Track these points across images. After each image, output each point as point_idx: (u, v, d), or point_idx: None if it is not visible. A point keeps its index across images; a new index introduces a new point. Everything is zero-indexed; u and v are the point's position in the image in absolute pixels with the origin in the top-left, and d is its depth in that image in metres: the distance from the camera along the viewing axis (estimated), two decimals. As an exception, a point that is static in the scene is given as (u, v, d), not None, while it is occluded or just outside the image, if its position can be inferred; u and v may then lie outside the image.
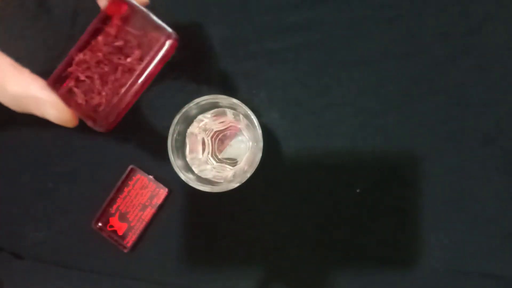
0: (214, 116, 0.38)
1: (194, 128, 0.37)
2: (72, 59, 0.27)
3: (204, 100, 0.34)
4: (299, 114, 0.40)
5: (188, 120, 0.37)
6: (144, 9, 0.26)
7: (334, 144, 0.40)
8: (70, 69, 0.27)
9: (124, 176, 0.40)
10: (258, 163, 0.33)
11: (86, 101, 0.27)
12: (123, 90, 0.26)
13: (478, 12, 0.40)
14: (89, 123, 0.27)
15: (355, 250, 0.40)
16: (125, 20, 0.26)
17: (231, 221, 0.41)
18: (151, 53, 0.26)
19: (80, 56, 0.27)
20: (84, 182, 0.41)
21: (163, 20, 0.27)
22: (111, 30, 0.26)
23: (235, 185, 0.33)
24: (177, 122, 0.34)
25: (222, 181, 0.37)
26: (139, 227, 0.40)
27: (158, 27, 0.26)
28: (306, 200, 0.40)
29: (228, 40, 0.41)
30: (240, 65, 0.41)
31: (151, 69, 0.26)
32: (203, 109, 0.37)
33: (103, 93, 0.26)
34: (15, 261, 0.41)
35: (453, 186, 0.39)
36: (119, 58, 0.26)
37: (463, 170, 0.39)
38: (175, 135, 0.34)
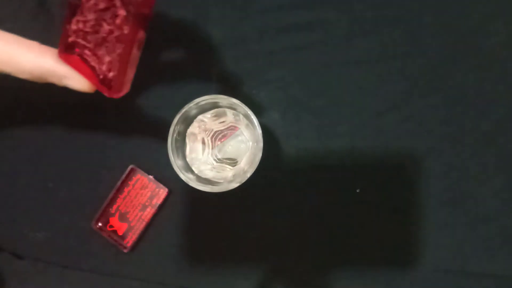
0: (214, 116, 0.38)
1: (194, 128, 0.37)
2: (67, 29, 0.27)
3: (204, 100, 0.34)
4: (299, 114, 0.40)
5: (188, 120, 0.37)
6: None
7: (334, 144, 0.40)
8: (70, 40, 0.27)
9: (124, 176, 0.40)
10: (258, 163, 0.33)
11: (98, 64, 0.27)
12: (122, 54, 0.27)
13: (478, 12, 0.40)
14: (105, 92, 0.28)
15: (355, 250, 0.40)
16: None
17: (231, 221, 0.41)
18: (134, 9, 0.26)
19: (73, 26, 0.27)
20: (84, 182, 0.41)
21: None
22: None
23: (235, 185, 0.33)
24: (177, 122, 0.34)
25: (222, 181, 0.37)
26: (139, 227, 0.40)
27: None
28: (306, 200, 0.40)
29: (228, 40, 0.41)
30: (240, 65, 0.41)
31: (140, 24, 0.26)
32: (203, 109, 0.37)
33: (107, 59, 0.27)
34: (15, 261, 0.41)
35: (453, 186, 0.39)
36: (108, 22, 0.27)
37: (463, 170, 0.39)
38: (175, 135, 0.34)
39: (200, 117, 0.37)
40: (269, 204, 0.40)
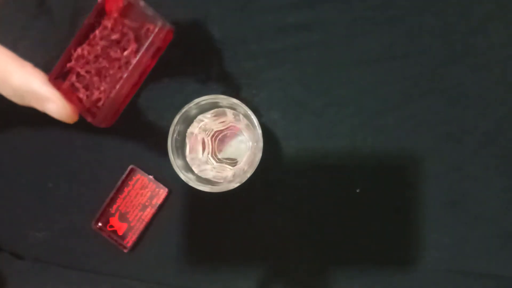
0: (214, 116, 0.38)
1: (194, 128, 0.37)
2: (71, 54, 0.27)
3: (204, 100, 0.34)
4: (299, 114, 0.40)
5: (188, 120, 0.37)
6: (141, 1, 0.26)
7: (334, 144, 0.40)
8: (69, 65, 0.27)
9: (124, 176, 0.40)
10: (258, 163, 0.33)
11: (87, 96, 0.27)
12: (120, 83, 0.26)
13: (478, 12, 0.40)
14: (89, 119, 0.27)
15: (355, 250, 0.40)
16: (122, 12, 0.26)
17: (231, 221, 0.41)
18: (146, 45, 0.26)
19: (79, 51, 0.27)
20: (84, 182, 0.41)
21: (160, 13, 0.27)
22: (108, 23, 0.26)
23: (235, 185, 0.33)
24: (177, 122, 0.34)
25: (222, 181, 0.37)
26: (139, 227, 0.40)
27: (154, 19, 0.25)
28: (306, 200, 0.40)
29: (228, 40, 0.41)
30: (240, 65, 0.41)
31: (146, 61, 0.26)
32: (203, 109, 0.37)
33: (102, 88, 0.27)
34: (15, 261, 0.41)
35: (453, 186, 0.39)
36: (116, 52, 0.26)
37: (463, 170, 0.39)
38: (175, 135, 0.34)
39: (200, 117, 0.37)
40: (269, 204, 0.40)
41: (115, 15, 0.26)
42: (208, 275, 0.40)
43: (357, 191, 0.40)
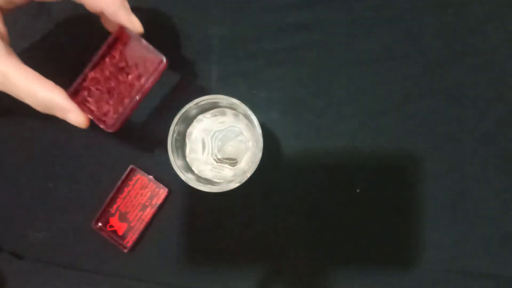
0: (214, 116, 0.38)
1: (194, 128, 0.37)
2: (86, 76, 0.34)
3: (204, 100, 0.34)
4: (299, 114, 0.40)
5: (188, 120, 0.37)
6: (142, 39, 0.33)
7: (334, 144, 0.40)
8: (84, 84, 0.34)
9: (124, 176, 0.40)
10: (258, 163, 0.33)
11: (97, 108, 0.34)
12: (127, 101, 0.34)
13: (478, 12, 0.40)
14: (101, 126, 0.34)
15: (355, 250, 0.40)
16: (126, 45, 0.34)
17: (231, 221, 0.41)
18: (147, 74, 0.33)
19: (92, 74, 0.34)
20: (84, 182, 0.41)
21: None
22: (116, 53, 0.34)
23: (235, 185, 0.33)
24: (177, 122, 0.34)
25: (222, 181, 0.37)
26: (139, 227, 0.40)
27: (152, 52, 0.33)
28: (306, 200, 0.40)
29: (228, 40, 0.41)
30: (240, 65, 0.41)
31: (147, 86, 0.33)
32: (203, 109, 0.37)
33: (111, 103, 0.34)
34: (15, 261, 0.41)
35: (453, 186, 0.39)
36: (122, 76, 0.34)
37: (463, 170, 0.39)
38: (175, 135, 0.34)
39: (200, 117, 0.37)
40: (269, 204, 0.40)
41: (121, 48, 0.34)
42: (208, 275, 0.40)
43: (357, 191, 0.40)
